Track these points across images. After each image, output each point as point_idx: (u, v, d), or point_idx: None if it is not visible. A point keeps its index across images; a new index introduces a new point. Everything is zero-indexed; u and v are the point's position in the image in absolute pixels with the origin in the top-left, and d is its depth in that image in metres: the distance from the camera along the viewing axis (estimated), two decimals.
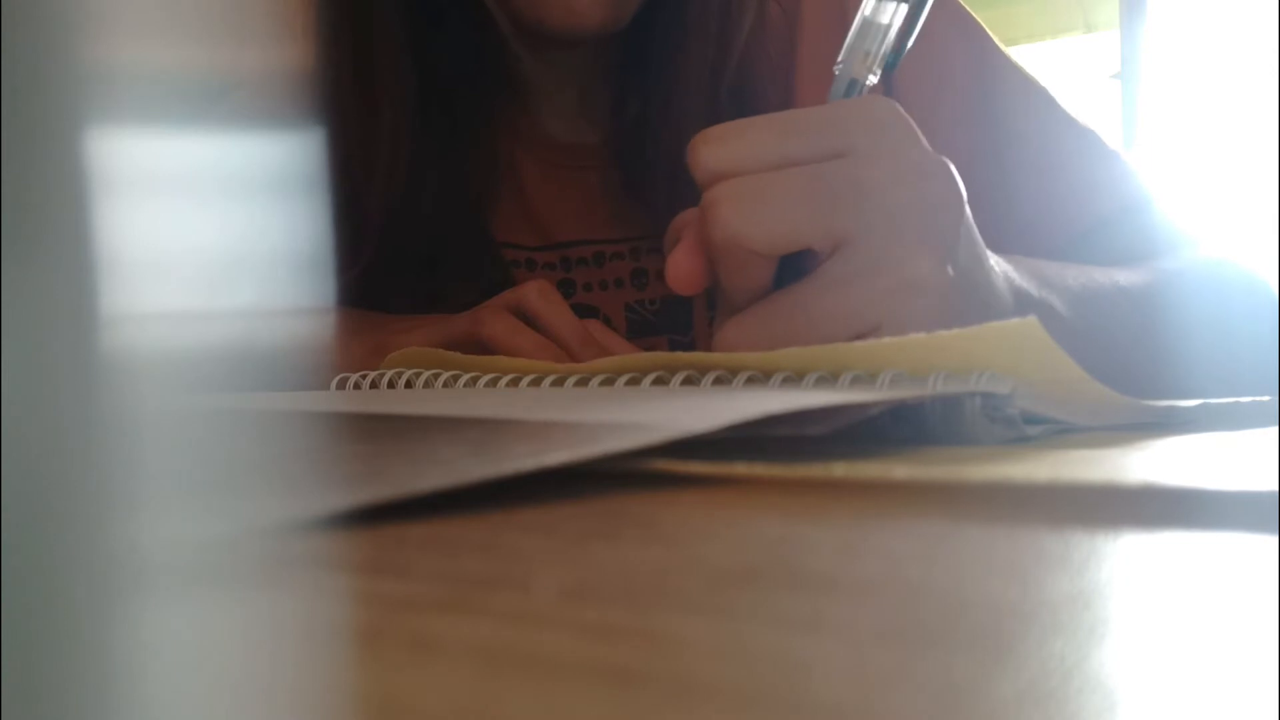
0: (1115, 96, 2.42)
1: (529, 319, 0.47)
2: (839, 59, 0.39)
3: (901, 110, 0.37)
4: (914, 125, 0.36)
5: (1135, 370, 0.40)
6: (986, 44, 0.58)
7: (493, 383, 0.36)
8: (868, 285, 0.34)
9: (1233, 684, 0.08)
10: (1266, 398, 0.32)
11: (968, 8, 0.61)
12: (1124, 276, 0.46)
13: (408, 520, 0.15)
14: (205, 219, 0.10)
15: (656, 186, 0.58)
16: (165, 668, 0.08)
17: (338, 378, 0.40)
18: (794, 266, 0.36)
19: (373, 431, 0.26)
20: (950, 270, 0.35)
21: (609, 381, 0.33)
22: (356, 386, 0.39)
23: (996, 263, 0.38)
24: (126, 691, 0.07)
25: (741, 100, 0.58)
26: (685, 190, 0.57)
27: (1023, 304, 0.39)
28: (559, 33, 0.53)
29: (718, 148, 0.36)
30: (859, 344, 0.28)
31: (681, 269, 0.37)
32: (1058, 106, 0.57)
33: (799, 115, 0.37)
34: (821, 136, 0.36)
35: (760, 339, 0.35)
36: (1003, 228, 0.41)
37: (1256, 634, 0.09)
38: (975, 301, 0.36)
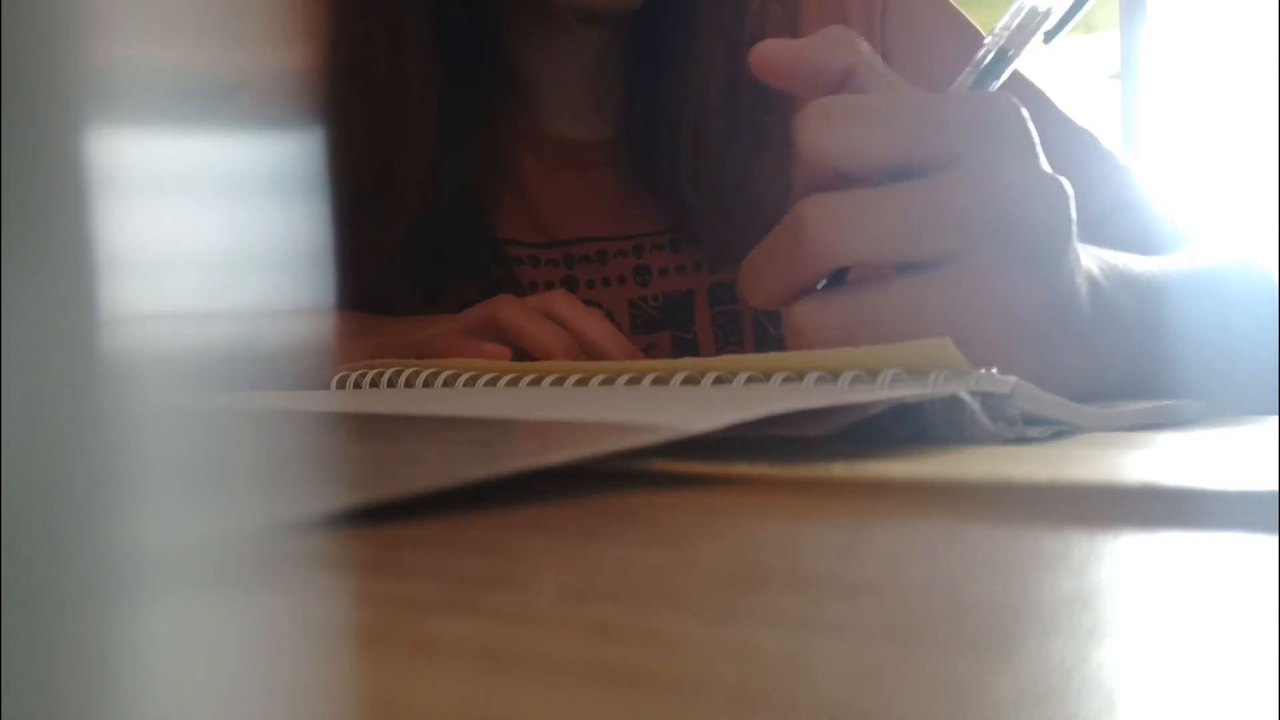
0: (1115, 96, 2.42)
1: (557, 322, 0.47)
2: (995, 29, 0.38)
3: (1025, 115, 0.35)
4: (1034, 134, 0.35)
5: (1165, 364, 0.40)
6: (979, 46, 0.58)
7: (493, 382, 0.36)
8: (963, 301, 0.33)
9: (1233, 684, 0.08)
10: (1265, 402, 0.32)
11: (963, 10, 0.61)
12: (1158, 265, 0.45)
13: (408, 520, 0.15)
14: (207, 219, 0.10)
15: (676, 173, 0.59)
16: (165, 668, 0.08)
17: (337, 377, 0.40)
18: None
19: (372, 431, 0.26)
20: (1049, 296, 0.34)
21: (609, 381, 0.33)
22: (357, 386, 0.39)
23: (1083, 259, 0.37)
24: (126, 691, 0.07)
25: (753, 95, 0.58)
26: (705, 172, 0.58)
27: (1098, 308, 0.37)
28: (581, 7, 0.53)
29: (834, 132, 0.34)
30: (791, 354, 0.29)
31: (773, 50, 0.36)
32: (1054, 107, 0.58)
33: (922, 106, 0.35)
34: (941, 135, 0.34)
35: (840, 324, 0.34)
36: None
37: (1256, 634, 0.09)
38: (1060, 322, 0.35)
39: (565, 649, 0.10)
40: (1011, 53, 0.38)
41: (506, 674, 0.09)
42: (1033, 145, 0.35)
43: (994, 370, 0.26)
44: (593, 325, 0.47)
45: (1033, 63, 0.43)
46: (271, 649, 0.10)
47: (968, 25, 0.60)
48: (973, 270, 0.34)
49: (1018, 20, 0.38)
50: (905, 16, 0.60)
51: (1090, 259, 0.38)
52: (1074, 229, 0.35)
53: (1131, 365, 0.38)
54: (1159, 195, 0.56)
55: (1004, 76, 0.39)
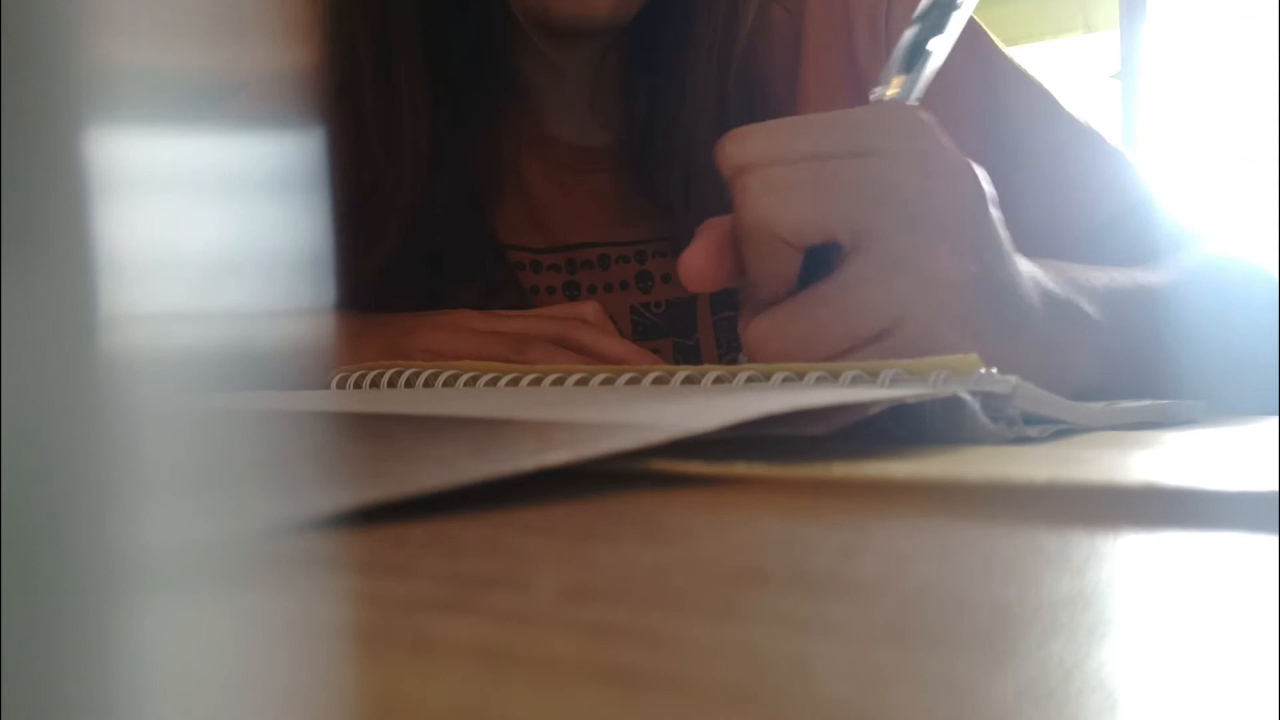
0: (1115, 96, 2.41)
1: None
2: (878, 85, 0.40)
3: (925, 115, 0.37)
4: (936, 128, 0.37)
5: (1156, 369, 0.40)
6: (988, 46, 0.58)
7: (493, 382, 0.36)
8: (891, 282, 0.35)
9: (1233, 684, 0.08)
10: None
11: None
12: (1144, 276, 0.46)
13: (408, 520, 0.15)
14: (207, 219, 0.10)
15: (670, 186, 0.59)
16: (166, 668, 0.08)
17: (337, 377, 0.40)
18: (820, 268, 0.36)
19: (373, 431, 0.26)
20: (973, 267, 0.35)
21: (609, 381, 0.33)
22: (357, 386, 0.39)
23: (1024, 265, 0.38)
24: (126, 691, 0.07)
25: (750, 101, 0.58)
26: (698, 189, 0.58)
27: (1050, 305, 0.39)
28: (567, 24, 0.53)
29: (745, 144, 0.36)
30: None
31: (694, 264, 0.38)
32: (1060, 107, 0.57)
33: (824, 116, 0.38)
34: (846, 135, 0.36)
35: (789, 335, 0.35)
36: (1009, 231, 0.41)
37: (1256, 634, 0.09)
38: (1000, 300, 0.36)
39: (565, 649, 0.10)
40: (924, 40, 0.40)
41: (506, 674, 0.09)
42: (937, 136, 0.37)
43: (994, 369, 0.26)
44: (615, 349, 0.48)
45: (1034, 62, 0.43)
46: (272, 649, 0.10)
47: (974, 25, 0.60)
48: (899, 252, 0.35)
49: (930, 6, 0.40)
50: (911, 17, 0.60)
51: (1032, 266, 0.39)
52: (990, 206, 0.36)
53: (1100, 370, 0.39)
54: (1167, 193, 0.56)
55: (926, 69, 0.40)
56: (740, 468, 0.20)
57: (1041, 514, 0.15)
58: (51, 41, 0.07)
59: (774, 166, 0.35)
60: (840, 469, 0.19)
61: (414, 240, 0.57)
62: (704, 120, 0.57)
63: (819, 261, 0.36)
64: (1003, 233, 0.37)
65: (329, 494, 0.15)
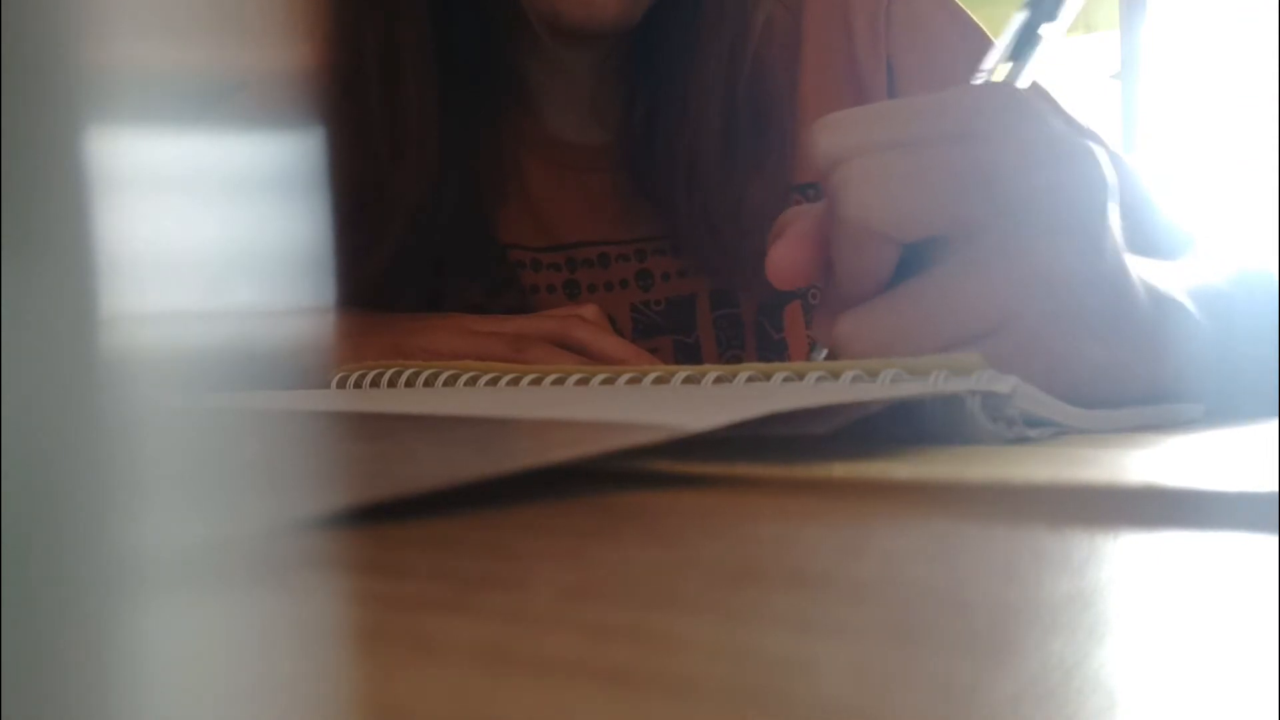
0: (1115, 96, 2.42)
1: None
2: (981, 71, 0.38)
3: (1029, 96, 0.34)
4: (1045, 110, 0.34)
5: (1235, 371, 0.38)
6: (985, 46, 0.58)
7: (493, 382, 0.36)
8: (1000, 277, 0.32)
9: (1233, 684, 0.08)
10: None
11: (966, 8, 0.61)
12: (1201, 274, 0.44)
13: (408, 520, 0.15)
14: (208, 219, 0.10)
15: (671, 186, 0.59)
16: (165, 668, 0.08)
17: (338, 377, 0.40)
18: (911, 263, 0.33)
19: (373, 431, 0.26)
20: (1094, 262, 0.32)
21: (609, 381, 0.33)
22: (357, 386, 0.39)
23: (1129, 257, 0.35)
24: (126, 691, 0.07)
25: (752, 102, 0.58)
26: (699, 191, 0.58)
27: (1161, 306, 0.35)
28: (575, 27, 0.53)
29: (840, 133, 0.34)
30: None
31: (785, 260, 0.35)
32: (1054, 104, 0.57)
33: (923, 99, 0.35)
34: (947, 119, 0.33)
35: (883, 331, 0.32)
36: None
37: (1256, 634, 0.09)
38: (1114, 299, 0.33)
39: (565, 649, 0.10)
40: (1035, 25, 0.37)
41: (506, 674, 0.09)
42: (1045, 117, 0.33)
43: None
44: (613, 347, 0.48)
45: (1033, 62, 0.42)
46: (271, 649, 0.10)
47: (972, 24, 0.60)
48: (1008, 245, 0.32)
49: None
50: (909, 16, 0.60)
51: (1135, 262, 0.36)
52: (1110, 191, 0.33)
53: (1203, 370, 0.35)
54: (1163, 195, 0.56)
55: (1035, 56, 0.37)
56: (740, 468, 0.20)
57: (1041, 514, 0.15)
58: (51, 41, 0.07)
59: (873, 156, 0.32)
60: (840, 469, 0.19)
61: (416, 240, 0.57)
62: (709, 124, 0.57)
63: (909, 256, 0.33)
64: (1117, 223, 0.34)
65: (329, 494, 0.15)
